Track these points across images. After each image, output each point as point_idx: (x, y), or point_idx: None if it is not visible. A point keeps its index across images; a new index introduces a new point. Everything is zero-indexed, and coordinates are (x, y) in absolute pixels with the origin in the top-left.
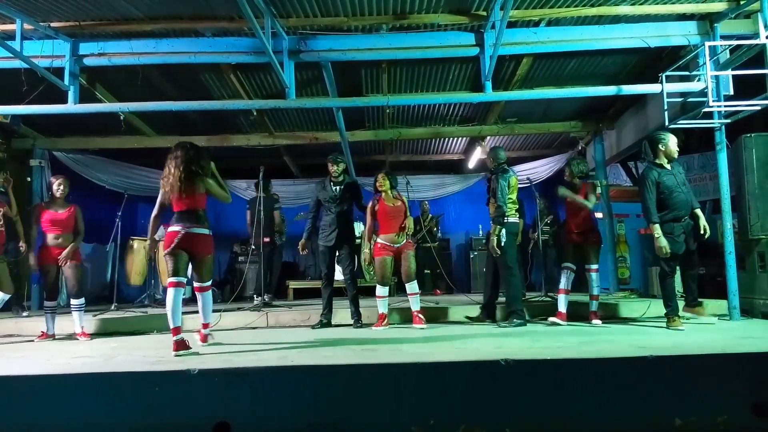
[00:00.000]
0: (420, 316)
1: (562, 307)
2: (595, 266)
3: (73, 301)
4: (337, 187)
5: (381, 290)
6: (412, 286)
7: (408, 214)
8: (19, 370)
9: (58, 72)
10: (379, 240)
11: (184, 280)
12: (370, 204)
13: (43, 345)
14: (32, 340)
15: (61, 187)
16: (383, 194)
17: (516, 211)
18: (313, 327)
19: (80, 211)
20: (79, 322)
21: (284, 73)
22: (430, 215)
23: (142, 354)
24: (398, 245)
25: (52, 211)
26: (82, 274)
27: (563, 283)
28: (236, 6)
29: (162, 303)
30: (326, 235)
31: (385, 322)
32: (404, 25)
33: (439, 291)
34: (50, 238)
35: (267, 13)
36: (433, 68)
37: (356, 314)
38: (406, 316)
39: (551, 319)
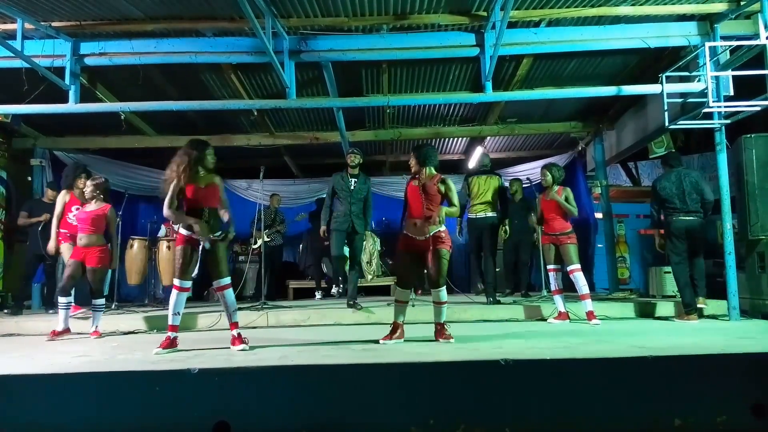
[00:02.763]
0: (446, 332)
1: (561, 307)
2: (576, 266)
3: (93, 301)
4: (353, 180)
5: (399, 293)
6: (439, 294)
7: (453, 200)
8: (19, 369)
9: (59, 71)
10: (404, 230)
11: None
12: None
13: (43, 344)
14: (33, 338)
15: (90, 189)
16: (418, 176)
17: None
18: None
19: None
20: (94, 321)
21: (285, 73)
22: None
23: (142, 353)
24: (422, 238)
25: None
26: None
27: (553, 284)
28: (237, 6)
29: (161, 302)
30: (340, 222)
31: (398, 333)
32: (405, 25)
33: None
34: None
35: (268, 13)
36: (433, 68)
37: (352, 297)
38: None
39: (550, 320)
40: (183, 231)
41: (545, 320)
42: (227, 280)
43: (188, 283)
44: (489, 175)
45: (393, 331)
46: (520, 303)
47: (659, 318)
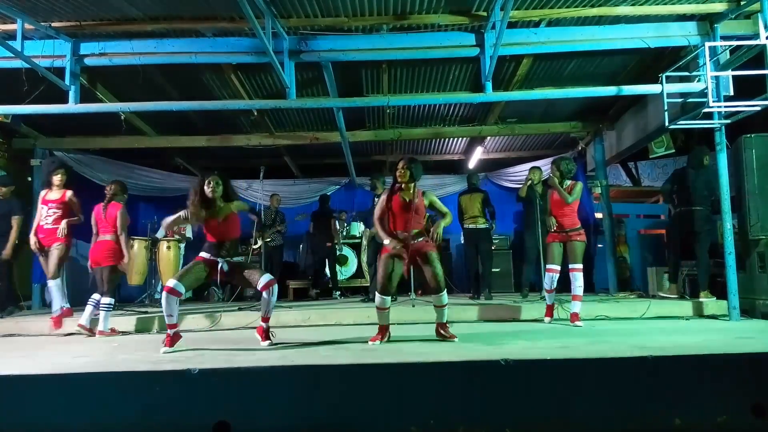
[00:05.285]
0: (449, 330)
1: (549, 301)
2: (578, 266)
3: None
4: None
5: (379, 300)
6: (441, 298)
7: (442, 209)
8: (20, 370)
9: (59, 72)
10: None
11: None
12: (385, 194)
13: (44, 345)
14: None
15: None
16: (402, 186)
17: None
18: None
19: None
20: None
21: (285, 73)
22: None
23: (143, 354)
24: (412, 242)
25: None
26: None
27: (547, 284)
28: (237, 6)
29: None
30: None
31: (386, 335)
32: (405, 25)
33: None
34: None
35: (267, 14)
36: (433, 68)
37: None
38: (398, 318)
39: (546, 319)
40: (202, 253)
41: (542, 321)
42: (268, 276)
43: (181, 288)
44: (473, 192)
45: (381, 333)
46: (519, 303)
47: (662, 318)
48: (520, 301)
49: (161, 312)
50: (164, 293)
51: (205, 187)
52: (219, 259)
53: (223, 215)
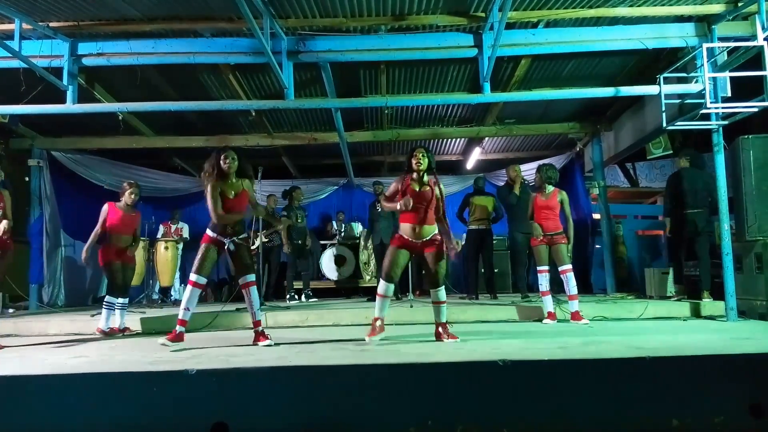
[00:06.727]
0: (449, 330)
1: (550, 308)
2: (568, 267)
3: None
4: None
5: (383, 287)
6: (438, 293)
7: (440, 206)
8: (19, 370)
9: (57, 72)
10: (399, 231)
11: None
12: (393, 185)
13: (41, 345)
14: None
15: (133, 196)
16: (416, 175)
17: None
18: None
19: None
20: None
21: (283, 73)
22: None
23: (141, 354)
24: (419, 241)
25: (124, 213)
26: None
27: (543, 285)
28: (235, 6)
29: (159, 303)
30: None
31: (380, 327)
32: (403, 26)
33: None
34: (119, 238)
35: (266, 14)
36: (431, 69)
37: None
38: (397, 318)
39: (545, 320)
40: (209, 232)
41: (541, 321)
42: (252, 277)
43: (203, 280)
44: (485, 195)
45: (378, 328)
46: (517, 304)
47: (660, 318)
48: (518, 302)
49: (159, 313)
50: (189, 287)
51: (222, 162)
52: (225, 239)
53: (235, 191)
